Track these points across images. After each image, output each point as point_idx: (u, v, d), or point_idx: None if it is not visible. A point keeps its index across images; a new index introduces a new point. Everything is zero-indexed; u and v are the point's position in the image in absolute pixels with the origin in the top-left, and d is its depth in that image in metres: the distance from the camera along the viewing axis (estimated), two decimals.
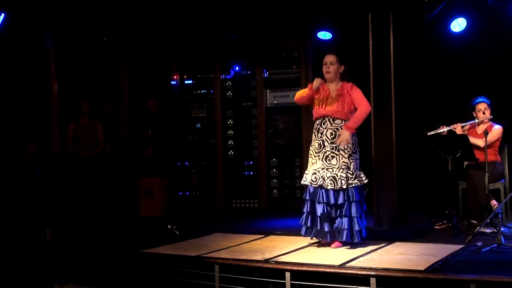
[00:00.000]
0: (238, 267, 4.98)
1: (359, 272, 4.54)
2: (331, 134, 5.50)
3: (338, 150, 5.47)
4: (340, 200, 5.42)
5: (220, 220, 7.76)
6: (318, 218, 5.44)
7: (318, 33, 7.87)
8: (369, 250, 5.27)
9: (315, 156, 5.56)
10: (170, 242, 5.98)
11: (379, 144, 6.63)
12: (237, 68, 8.48)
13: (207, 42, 8.35)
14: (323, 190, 5.44)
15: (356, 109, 5.53)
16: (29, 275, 5.77)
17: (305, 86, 5.89)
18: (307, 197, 5.55)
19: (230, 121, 8.52)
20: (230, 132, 8.52)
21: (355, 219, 5.43)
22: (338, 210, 5.44)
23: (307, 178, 5.57)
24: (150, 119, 8.43)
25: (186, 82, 8.75)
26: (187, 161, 8.62)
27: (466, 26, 7.12)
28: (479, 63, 7.44)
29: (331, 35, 7.85)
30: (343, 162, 5.45)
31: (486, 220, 5.65)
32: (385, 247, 5.41)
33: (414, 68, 7.72)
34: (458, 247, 5.28)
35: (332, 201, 5.41)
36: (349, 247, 5.43)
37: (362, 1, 6.82)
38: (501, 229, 5.34)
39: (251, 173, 8.39)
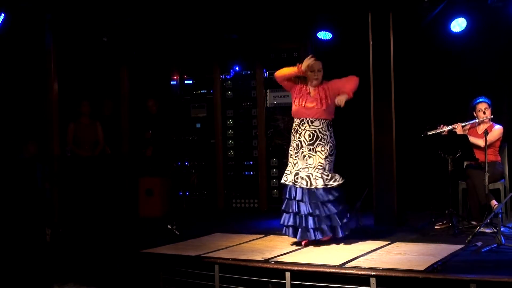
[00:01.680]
0: (238, 267, 4.98)
1: (359, 272, 4.54)
2: (309, 136, 5.57)
3: (315, 152, 5.55)
4: (321, 199, 5.48)
5: (220, 220, 7.77)
6: (303, 217, 5.51)
7: (318, 33, 7.87)
8: (369, 250, 5.27)
9: (295, 157, 5.62)
10: (170, 242, 5.98)
11: (379, 143, 6.63)
12: (237, 68, 8.48)
13: (207, 42, 8.35)
14: (306, 189, 5.50)
15: (333, 109, 5.64)
16: (29, 275, 5.77)
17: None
18: (287, 196, 5.61)
19: (230, 121, 8.52)
20: (230, 132, 8.52)
21: (334, 216, 5.51)
22: (320, 209, 5.48)
23: (288, 178, 5.63)
24: (150, 119, 8.43)
25: (186, 82, 8.75)
26: (187, 161, 8.62)
27: (466, 26, 7.11)
28: (479, 63, 7.43)
29: (331, 35, 7.85)
30: (319, 162, 5.53)
31: (486, 220, 5.65)
32: (385, 247, 5.41)
33: (414, 68, 7.72)
34: (458, 247, 5.28)
35: (311, 199, 5.48)
36: (347, 245, 5.45)
37: (362, 1, 6.82)
38: (501, 229, 5.34)
39: (251, 173, 8.39)
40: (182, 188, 8.38)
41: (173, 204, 8.17)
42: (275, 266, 4.86)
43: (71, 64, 8.12)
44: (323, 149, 5.54)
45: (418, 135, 6.43)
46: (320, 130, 5.55)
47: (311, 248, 5.51)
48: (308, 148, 5.55)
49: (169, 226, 6.53)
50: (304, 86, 5.71)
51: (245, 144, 8.46)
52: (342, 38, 7.90)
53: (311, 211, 5.47)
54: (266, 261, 4.97)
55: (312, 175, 5.49)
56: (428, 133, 6.36)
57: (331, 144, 5.60)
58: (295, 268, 4.77)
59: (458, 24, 7.13)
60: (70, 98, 8.03)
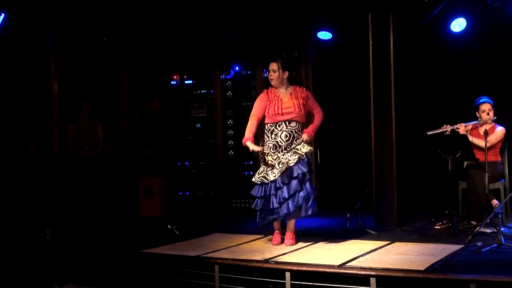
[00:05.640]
0: (238, 267, 4.98)
1: (359, 272, 4.54)
2: (286, 136, 5.64)
3: (295, 149, 5.62)
4: (295, 174, 5.51)
5: (220, 220, 7.76)
6: (277, 205, 5.55)
7: (318, 33, 7.88)
8: (369, 250, 5.27)
9: (274, 152, 5.65)
10: (170, 242, 5.99)
11: (379, 144, 6.63)
12: (237, 68, 8.48)
13: (207, 42, 8.35)
14: (282, 176, 5.52)
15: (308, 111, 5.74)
16: (29, 275, 5.77)
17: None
18: (261, 194, 5.61)
19: (230, 121, 8.51)
20: (230, 132, 8.51)
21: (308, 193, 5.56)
22: (293, 190, 5.52)
23: (269, 175, 5.60)
24: (151, 117, 8.43)
25: (186, 82, 8.74)
26: (187, 161, 8.62)
27: (466, 26, 7.12)
28: (479, 63, 7.43)
29: (331, 35, 7.86)
30: (299, 154, 5.60)
31: (486, 220, 5.65)
32: (385, 247, 5.41)
33: (414, 68, 7.72)
34: (458, 247, 5.28)
35: (294, 174, 5.50)
36: (347, 245, 5.45)
37: (362, 1, 6.82)
38: (501, 229, 5.34)
39: (251, 173, 8.35)
40: (182, 188, 8.38)
41: (173, 204, 8.17)
42: (275, 266, 4.86)
43: (71, 64, 8.12)
44: (300, 146, 5.63)
45: (418, 135, 6.43)
46: (296, 130, 5.68)
47: (311, 248, 5.51)
48: (286, 147, 5.63)
49: (169, 226, 6.53)
50: (274, 91, 5.80)
51: None
52: (342, 38, 7.91)
53: (287, 196, 5.50)
54: (266, 261, 4.97)
55: (290, 160, 5.55)
56: (429, 133, 6.35)
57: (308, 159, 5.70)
58: (295, 268, 4.77)
59: (458, 24, 7.14)
60: (70, 98, 8.03)
